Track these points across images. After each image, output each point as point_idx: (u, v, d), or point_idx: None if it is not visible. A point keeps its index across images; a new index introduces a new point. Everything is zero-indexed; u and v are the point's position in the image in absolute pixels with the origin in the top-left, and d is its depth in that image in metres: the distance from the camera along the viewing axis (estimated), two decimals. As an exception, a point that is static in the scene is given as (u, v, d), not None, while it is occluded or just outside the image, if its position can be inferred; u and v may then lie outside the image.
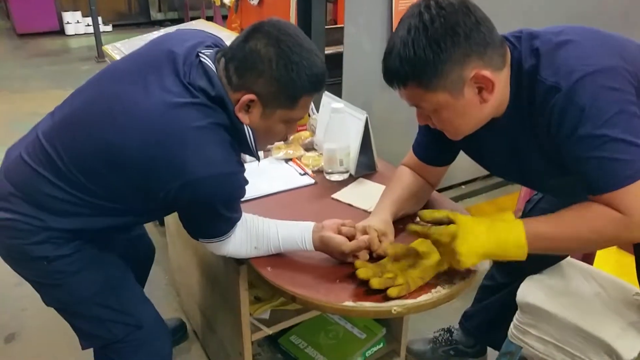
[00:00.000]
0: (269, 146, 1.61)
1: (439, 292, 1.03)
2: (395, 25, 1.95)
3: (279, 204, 1.38)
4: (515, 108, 1.01)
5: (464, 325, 1.72)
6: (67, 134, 1.08)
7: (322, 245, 1.11)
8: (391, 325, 1.60)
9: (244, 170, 1.06)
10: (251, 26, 1.04)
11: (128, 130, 1.00)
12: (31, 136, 1.14)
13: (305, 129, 1.75)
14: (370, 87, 2.05)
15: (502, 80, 0.97)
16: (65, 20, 6.85)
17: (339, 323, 1.64)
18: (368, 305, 0.99)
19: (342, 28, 2.01)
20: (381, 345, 1.58)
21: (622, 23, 2.64)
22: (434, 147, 1.21)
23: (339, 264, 1.12)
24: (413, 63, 0.91)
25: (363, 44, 2.00)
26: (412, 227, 1.01)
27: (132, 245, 1.45)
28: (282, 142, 1.68)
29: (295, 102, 1.03)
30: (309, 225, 1.13)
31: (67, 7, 6.93)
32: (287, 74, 0.98)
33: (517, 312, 1.49)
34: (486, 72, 0.92)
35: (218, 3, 4.72)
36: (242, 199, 1.17)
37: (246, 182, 1.08)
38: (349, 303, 1.00)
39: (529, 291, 1.43)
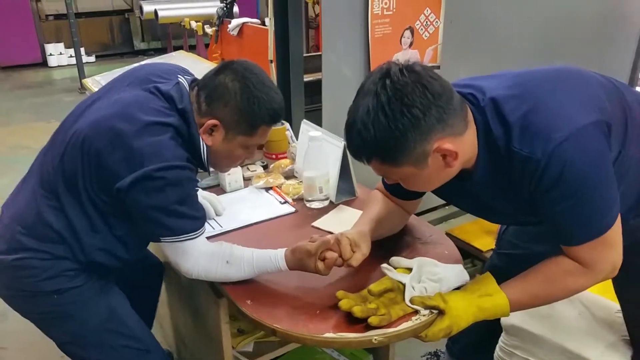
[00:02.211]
0: (247, 174, 1.63)
1: (419, 319, 1.02)
2: (372, 53, 2.00)
3: (260, 233, 1.37)
4: (488, 169, 1.01)
5: (451, 349, 1.71)
6: (58, 158, 1.15)
7: (292, 256, 1.12)
8: (378, 352, 1.58)
9: (194, 170, 1.16)
10: (222, 63, 1.21)
11: (99, 122, 1.10)
12: (35, 175, 1.21)
13: (285, 157, 1.76)
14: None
15: (467, 142, 0.97)
16: (48, 52, 6.87)
17: (325, 352, 1.62)
18: (349, 336, 0.99)
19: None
20: (368, 372, 1.57)
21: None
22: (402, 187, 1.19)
23: (318, 294, 1.11)
24: (374, 144, 0.92)
25: (342, 70, 2.03)
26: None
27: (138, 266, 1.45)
28: (262, 171, 1.69)
29: (254, 131, 1.16)
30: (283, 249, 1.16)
31: (49, 39, 6.96)
32: (249, 106, 1.12)
33: (503, 334, 1.50)
34: (448, 145, 0.93)
35: (200, 32, 4.78)
36: (222, 231, 1.20)
37: (196, 180, 1.16)
38: (330, 334, 0.99)
39: (514, 313, 1.44)
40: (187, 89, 1.16)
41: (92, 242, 1.16)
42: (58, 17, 7.00)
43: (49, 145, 1.23)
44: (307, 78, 2.22)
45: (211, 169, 1.26)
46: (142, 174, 1.04)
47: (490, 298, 1.05)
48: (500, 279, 1.08)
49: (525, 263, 1.11)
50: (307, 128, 1.62)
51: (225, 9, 2.93)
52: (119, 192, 1.07)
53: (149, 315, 1.57)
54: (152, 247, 1.55)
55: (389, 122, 0.89)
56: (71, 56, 6.52)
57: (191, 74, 1.25)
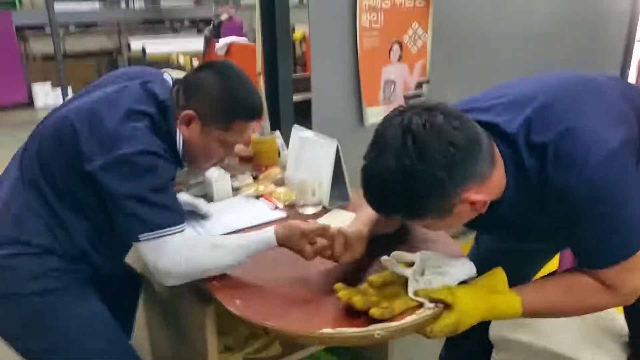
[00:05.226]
0: (236, 184, 1.56)
1: (424, 312, 0.93)
2: (361, 65, 1.98)
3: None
4: (516, 197, 0.96)
5: None
6: (35, 146, 1.14)
7: (284, 230, 1.06)
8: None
9: (171, 163, 1.10)
10: (204, 62, 1.25)
11: (81, 107, 1.11)
12: (14, 170, 1.17)
13: (276, 166, 1.69)
14: (340, 130, 2.03)
15: (494, 181, 0.92)
16: (35, 92, 6.84)
17: (320, 372, 1.51)
18: (349, 331, 0.89)
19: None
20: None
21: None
22: None
23: (314, 291, 1.02)
24: (395, 205, 0.89)
25: (331, 89, 2.00)
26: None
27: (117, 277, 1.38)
28: (252, 180, 1.62)
29: (230, 125, 1.15)
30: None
31: (37, 79, 6.95)
32: (224, 98, 1.13)
33: (494, 350, 1.43)
34: (476, 196, 0.88)
35: (189, 67, 4.81)
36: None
37: (173, 174, 1.11)
38: (328, 330, 0.90)
39: (502, 324, 1.38)
40: (170, 84, 1.20)
41: (76, 230, 1.12)
42: (46, 58, 7.02)
43: (27, 140, 1.19)
44: (296, 98, 2.19)
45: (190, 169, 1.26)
46: (115, 157, 1.02)
47: (501, 296, 0.97)
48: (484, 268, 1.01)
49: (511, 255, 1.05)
50: (298, 134, 1.57)
51: (212, 30, 2.97)
52: (90, 176, 1.03)
53: (127, 328, 1.46)
54: (130, 259, 1.47)
55: (412, 185, 0.84)
56: (59, 95, 6.49)
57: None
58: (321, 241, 1.06)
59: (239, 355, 1.27)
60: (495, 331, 1.39)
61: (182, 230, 1.07)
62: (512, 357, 1.37)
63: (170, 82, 1.20)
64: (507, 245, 1.28)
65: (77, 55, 7.27)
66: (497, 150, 0.93)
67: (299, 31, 5.19)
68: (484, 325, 1.40)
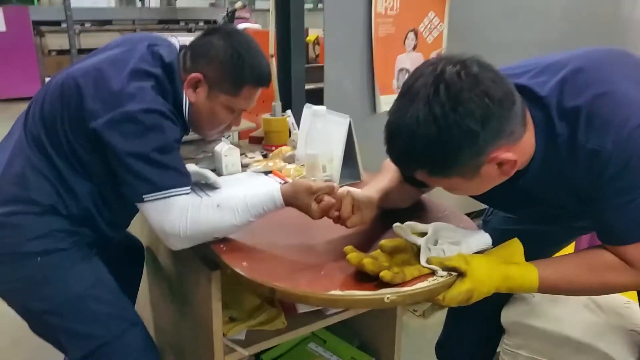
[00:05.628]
0: (246, 161, 1.55)
1: (437, 280, 0.90)
2: (375, 53, 1.96)
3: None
4: (543, 166, 0.93)
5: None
6: (39, 106, 1.13)
7: (290, 188, 1.04)
8: (381, 356, 1.44)
9: (176, 124, 1.09)
10: (211, 27, 1.23)
11: (86, 66, 1.10)
12: (18, 130, 1.16)
13: (286, 145, 1.68)
14: (352, 117, 2.01)
15: (525, 144, 0.89)
16: (48, 85, 6.91)
17: (323, 356, 1.47)
18: (358, 293, 0.87)
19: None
20: (371, 377, 1.41)
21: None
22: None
23: (323, 255, 1.00)
24: (422, 158, 0.84)
25: (344, 75, 1.98)
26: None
27: (120, 246, 1.40)
28: (261, 157, 1.60)
29: (238, 90, 1.14)
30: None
31: (51, 72, 7.02)
32: (232, 62, 1.12)
33: (504, 336, 1.41)
34: (507, 155, 0.84)
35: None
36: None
37: (179, 136, 1.10)
38: (336, 292, 0.87)
39: (515, 310, 1.35)
40: (177, 49, 1.19)
41: (80, 191, 1.11)
42: (61, 52, 7.10)
43: (31, 101, 1.18)
44: (308, 87, 2.18)
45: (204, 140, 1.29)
46: (120, 114, 1.01)
47: (517, 267, 0.94)
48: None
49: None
50: (310, 112, 1.55)
51: (226, 16, 2.97)
52: (94, 134, 1.01)
53: (131, 296, 1.44)
54: (134, 230, 1.46)
55: (442, 135, 0.79)
56: (71, 89, 6.55)
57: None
58: (329, 199, 1.03)
59: (244, 326, 1.24)
60: (507, 317, 1.36)
61: (188, 192, 1.05)
62: (525, 342, 1.33)
63: (178, 46, 1.19)
64: (517, 227, 1.25)
65: (91, 50, 7.34)
66: (529, 114, 0.90)
67: (312, 35, 5.19)
68: (486, 314, 1.37)
